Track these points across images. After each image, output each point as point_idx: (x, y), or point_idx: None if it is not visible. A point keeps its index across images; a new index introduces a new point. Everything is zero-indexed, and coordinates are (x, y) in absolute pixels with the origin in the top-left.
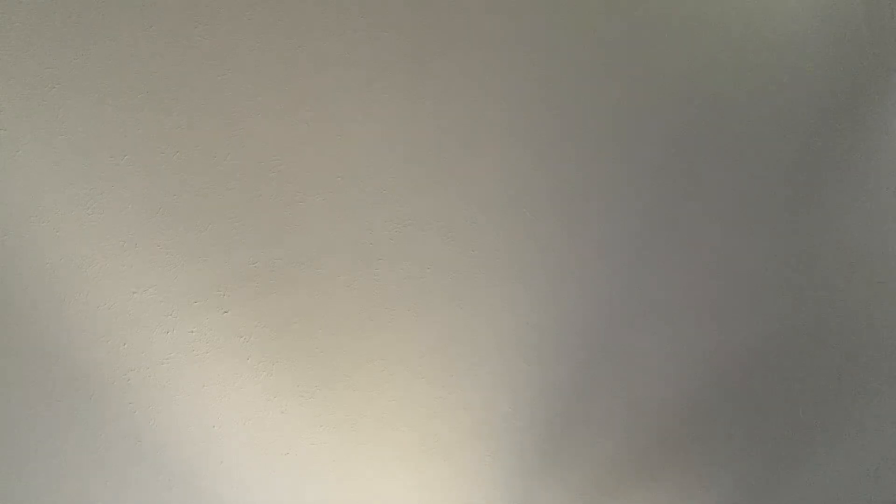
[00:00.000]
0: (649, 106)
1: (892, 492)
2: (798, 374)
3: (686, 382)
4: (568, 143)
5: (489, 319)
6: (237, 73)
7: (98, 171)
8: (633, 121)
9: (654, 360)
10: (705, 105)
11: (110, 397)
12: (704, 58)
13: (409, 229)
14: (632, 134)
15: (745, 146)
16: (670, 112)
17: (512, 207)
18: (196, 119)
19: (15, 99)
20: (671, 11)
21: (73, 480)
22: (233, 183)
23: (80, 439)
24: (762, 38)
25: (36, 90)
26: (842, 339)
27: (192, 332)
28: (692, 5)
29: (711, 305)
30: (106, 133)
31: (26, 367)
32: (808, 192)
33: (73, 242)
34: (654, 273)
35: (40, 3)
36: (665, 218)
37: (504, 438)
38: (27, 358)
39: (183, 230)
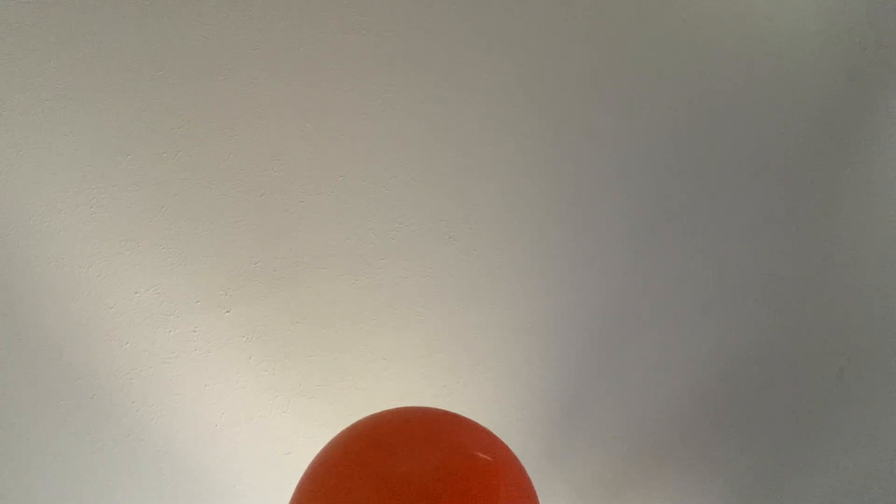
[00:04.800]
0: (649, 107)
1: (893, 494)
2: (798, 375)
3: (686, 382)
4: (568, 144)
5: (490, 319)
6: (238, 72)
7: (100, 172)
8: (632, 121)
9: (654, 360)
10: (705, 107)
11: (112, 397)
12: (704, 59)
13: (409, 229)
14: (631, 135)
15: (746, 148)
16: (670, 113)
17: (512, 207)
18: (197, 119)
19: (17, 99)
20: (672, 11)
21: (74, 479)
22: (234, 183)
23: (81, 439)
24: (763, 39)
25: (37, 90)
26: (842, 340)
27: (194, 331)
28: (692, 5)
29: (712, 306)
30: (108, 133)
31: (28, 366)
32: (809, 193)
33: (74, 243)
34: (655, 273)
35: (41, 3)
36: (666, 218)
37: (504, 437)
38: (29, 358)
39: (184, 230)
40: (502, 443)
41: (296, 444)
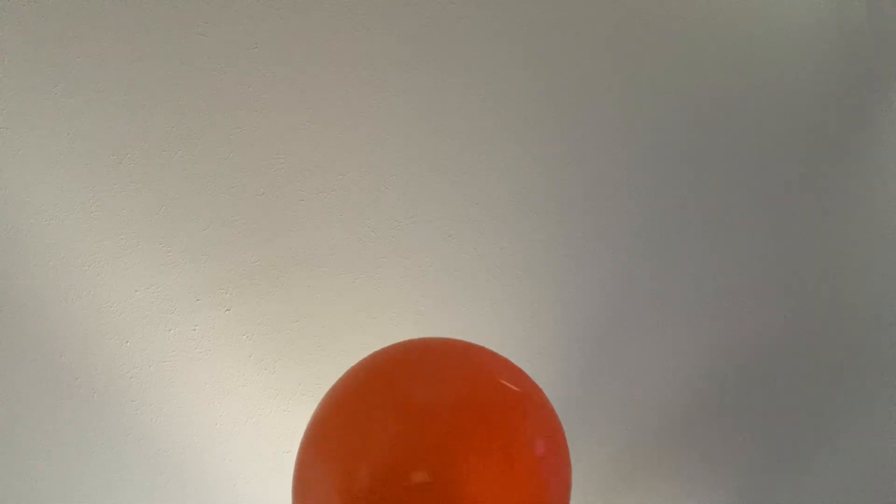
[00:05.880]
0: (651, 106)
1: (893, 493)
2: (798, 374)
3: (686, 382)
4: (569, 143)
5: (490, 318)
6: (238, 72)
7: (100, 170)
8: (634, 121)
9: (654, 360)
10: (706, 106)
11: (113, 395)
12: (706, 59)
13: (409, 228)
14: (632, 134)
15: (747, 147)
16: (671, 113)
17: (513, 207)
18: (197, 118)
19: (17, 98)
20: (674, 12)
21: (74, 478)
22: (234, 182)
23: (82, 437)
24: (764, 39)
25: (38, 90)
26: (842, 339)
27: (195, 329)
28: (694, 5)
29: (711, 305)
30: (108, 132)
31: (29, 365)
32: (809, 192)
33: (75, 242)
34: (655, 272)
35: (42, 2)
36: (666, 217)
37: None
38: (30, 356)
39: (185, 229)
40: (529, 377)
41: (296, 443)
